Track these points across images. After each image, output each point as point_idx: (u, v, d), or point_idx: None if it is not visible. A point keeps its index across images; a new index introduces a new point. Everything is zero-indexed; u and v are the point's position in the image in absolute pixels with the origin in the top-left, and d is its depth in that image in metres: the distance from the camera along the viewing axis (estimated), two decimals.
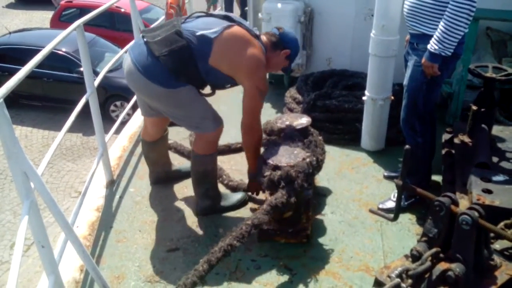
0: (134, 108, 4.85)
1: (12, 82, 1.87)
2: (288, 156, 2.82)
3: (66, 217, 2.15)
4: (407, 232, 3.03)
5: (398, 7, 3.53)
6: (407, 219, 3.14)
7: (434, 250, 1.90)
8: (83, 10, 12.14)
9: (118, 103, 9.42)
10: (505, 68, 3.12)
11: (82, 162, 8.61)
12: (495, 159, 2.97)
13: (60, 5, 13.33)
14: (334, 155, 3.97)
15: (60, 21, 12.72)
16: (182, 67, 2.77)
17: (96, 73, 9.53)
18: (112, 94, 9.30)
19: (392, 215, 2.21)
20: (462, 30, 2.75)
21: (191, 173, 3.21)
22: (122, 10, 12.04)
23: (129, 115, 4.82)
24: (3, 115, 1.76)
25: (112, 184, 3.63)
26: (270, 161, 2.77)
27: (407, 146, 2.05)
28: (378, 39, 3.65)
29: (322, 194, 3.41)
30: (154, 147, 3.46)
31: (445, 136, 3.65)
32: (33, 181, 1.91)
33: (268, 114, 4.73)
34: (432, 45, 2.84)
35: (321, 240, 2.96)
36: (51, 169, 8.24)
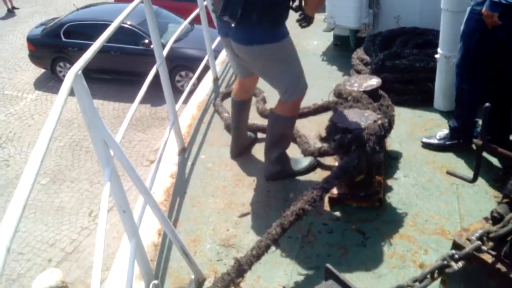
0: (199, 79, 4.90)
1: (88, 55, 1.94)
2: (358, 118, 2.76)
3: (144, 183, 2.24)
4: (485, 194, 2.90)
5: None
6: (484, 182, 2.99)
7: None
8: None
9: (183, 73, 9.60)
10: None
11: (151, 132, 8.92)
12: None
13: None
14: (406, 117, 3.83)
15: None
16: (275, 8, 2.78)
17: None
18: (177, 65, 9.47)
19: (470, 176, 2.11)
20: None
21: (269, 136, 3.21)
22: None
23: (194, 85, 4.88)
24: (83, 87, 1.84)
25: (184, 152, 3.73)
26: (340, 124, 2.72)
27: (487, 104, 1.93)
28: None
29: (393, 157, 3.32)
30: (247, 106, 3.52)
31: None
32: (112, 148, 2.00)
33: (334, 78, 4.65)
34: None
35: (394, 203, 2.90)
36: (122, 139, 8.60)
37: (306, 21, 3.02)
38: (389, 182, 3.08)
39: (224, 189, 3.25)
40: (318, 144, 3.31)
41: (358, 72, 4.38)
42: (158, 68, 3.39)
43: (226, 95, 4.47)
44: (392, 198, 2.93)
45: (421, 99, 4.02)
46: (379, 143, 2.68)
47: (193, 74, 9.19)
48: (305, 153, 3.42)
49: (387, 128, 2.76)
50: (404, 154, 3.37)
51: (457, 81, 3.28)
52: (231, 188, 3.25)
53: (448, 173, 2.22)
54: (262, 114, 4.09)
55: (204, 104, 4.48)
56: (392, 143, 3.50)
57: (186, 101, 4.67)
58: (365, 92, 3.10)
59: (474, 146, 2.82)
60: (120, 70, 10.27)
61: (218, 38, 3.76)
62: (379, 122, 2.71)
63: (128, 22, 9.79)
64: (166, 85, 3.52)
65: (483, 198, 2.86)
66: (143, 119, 9.40)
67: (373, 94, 3.13)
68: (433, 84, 3.92)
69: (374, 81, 3.21)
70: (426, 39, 4.52)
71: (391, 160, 3.29)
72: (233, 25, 2.80)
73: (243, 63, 3.11)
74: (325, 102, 3.62)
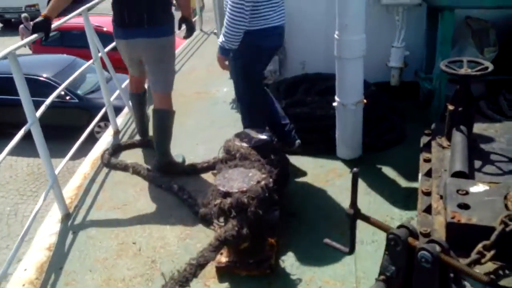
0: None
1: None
2: (241, 180, 2.52)
3: None
4: (381, 250, 2.71)
5: (361, 3, 3.24)
6: (383, 237, 2.82)
7: None
8: (64, 32, 11.86)
9: (102, 124, 9.14)
10: (481, 61, 2.81)
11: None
12: (477, 164, 2.67)
13: None
14: (308, 167, 3.66)
15: (42, 45, 12.46)
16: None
17: (77, 96, 9.32)
18: (95, 116, 9.02)
19: (347, 248, 1.91)
20: (238, 23, 2.98)
21: (157, 130, 3.72)
22: (105, 29, 11.76)
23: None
24: None
25: (67, 218, 3.34)
26: (220, 188, 2.48)
27: (354, 169, 1.75)
28: (343, 40, 3.35)
29: (291, 214, 3.10)
30: (144, 98, 4.22)
31: (423, 140, 3.34)
32: None
33: (234, 131, 4.43)
34: (220, 38, 3.15)
35: (288, 269, 2.65)
36: (36, 198, 7.99)
37: (188, 29, 3.96)
38: (285, 243, 2.84)
39: (104, 262, 2.88)
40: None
41: None
42: (30, 127, 3.04)
43: (119, 148, 4.17)
44: (287, 262, 2.69)
45: (325, 147, 3.88)
46: (262, 207, 2.45)
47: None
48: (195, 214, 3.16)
49: (272, 188, 2.54)
50: (303, 209, 3.17)
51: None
52: (112, 260, 2.89)
53: (326, 243, 2.01)
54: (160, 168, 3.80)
55: (98, 161, 4.12)
56: (294, 195, 3.30)
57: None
58: (254, 147, 2.90)
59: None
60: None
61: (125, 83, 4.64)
62: (262, 183, 2.49)
63: (44, 75, 9.34)
64: (41, 145, 3.17)
65: (379, 254, 2.67)
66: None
67: (263, 149, 2.93)
68: (334, 132, 3.80)
69: (264, 135, 3.02)
70: (329, 84, 4.43)
71: (289, 217, 3.07)
72: (146, 26, 3.44)
73: (141, 59, 3.74)
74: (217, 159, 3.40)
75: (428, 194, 2.73)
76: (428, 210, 2.57)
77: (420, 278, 1.56)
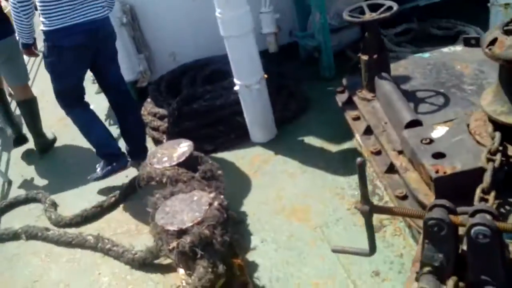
0: None
1: None
2: (189, 209, 2.07)
3: None
4: (352, 227, 2.51)
5: None
6: (342, 213, 2.61)
7: (452, 281, 1.35)
8: None
9: None
10: (383, 2, 2.67)
11: None
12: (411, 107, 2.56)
13: None
14: (229, 162, 3.30)
15: None
16: None
17: None
18: None
19: (366, 249, 1.61)
20: (19, 20, 3.07)
21: (29, 117, 4.12)
22: None
23: None
24: None
25: None
26: (169, 227, 2.00)
27: (358, 159, 1.44)
28: (227, 17, 2.98)
29: (239, 222, 2.73)
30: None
31: (340, 98, 3.17)
32: None
33: None
34: None
35: (267, 285, 2.30)
36: None
37: None
38: (249, 257, 2.47)
39: None
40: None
41: (156, 129, 3.71)
42: None
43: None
44: (262, 279, 2.33)
45: (236, 137, 3.54)
46: (226, 231, 2.04)
47: None
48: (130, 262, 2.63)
49: (226, 206, 2.14)
50: (247, 211, 2.82)
51: None
52: None
53: (335, 251, 1.70)
54: (59, 223, 3.13)
55: None
56: (229, 200, 2.91)
57: None
58: (180, 165, 2.44)
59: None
60: None
61: None
62: (216, 204, 2.08)
63: None
64: None
65: (354, 231, 2.46)
66: None
67: (190, 163, 2.49)
68: (242, 117, 3.47)
69: (184, 146, 2.57)
70: (213, 68, 4.09)
71: (238, 226, 2.70)
72: None
73: None
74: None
75: (378, 153, 2.57)
76: (390, 170, 2.41)
77: (479, 256, 1.32)
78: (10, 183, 3.81)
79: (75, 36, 2.99)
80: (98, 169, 3.38)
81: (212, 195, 2.14)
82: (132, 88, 4.41)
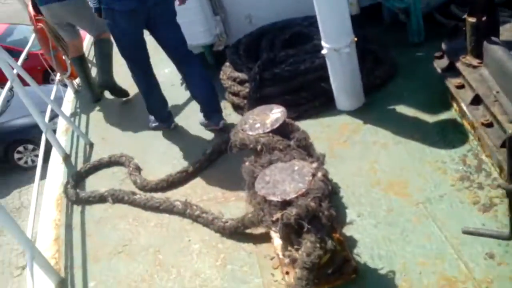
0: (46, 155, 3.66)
1: None
2: (291, 179, 1.96)
3: None
4: (459, 204, 2.31)
5: None
6: (450, 185, 2.41)
7: None
8: None
9: (20, 148, 7.96)
10: None
11: None
12: None
13: None
14: (315, 131, 3.12)
15: None
16: None
17: None
18: (10, 142, 7.83)
19: (505, 232, 1.44)
20: None
21: (100, 57, 4.43)
22: None
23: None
24: None
25: (63, 286, 2.62)
26: (272, 197, 1.90)
27: (510, 131, 1.26)
28: None
29: (333, 193, 2.60)
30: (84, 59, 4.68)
31: (439, 64, 2.93)
32: None
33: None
34: None
35: (369, 263, 2.17)
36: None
37: None
38: (347, 232, 2.35)
39: None
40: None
41: (236, 94, 3.61)
42: None
43: (81, 175, 3.44)
44: (363, 256, 2.20)
45: (321, 103, 3.37)
46: (331, 204, 1.92)
47: (33, 145, 7.70)
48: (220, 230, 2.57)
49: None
50: (340, 183, 2.67)
51: None
52: None
53: (466, 232, 1.54)
54: (145, 188, 3.12)
55: (63, 199, 3.34)
56: None
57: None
58: (274, 131, 2.32)
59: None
60: None
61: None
62: (319, 174, 1.95)
63: None
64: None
65: (461, 210, 2.27)
66: None
67: (283, 130, 2.36)
68: (327, 83, 3.29)
69: (277, 112, 2.43)
70: (294, 31, 3.90)
71: (333, 199, 2.56)
72: None
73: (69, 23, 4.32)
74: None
75: (490, 125, 2.34)
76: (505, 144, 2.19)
77: None
78: (91, 145, 3.86)
79: (125, 1, 3.08)
80: (152, 120, 3.81)
81: (314, 165, 2.01)
82: (209, 51, 4.33)
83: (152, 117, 3.78)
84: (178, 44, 3.41)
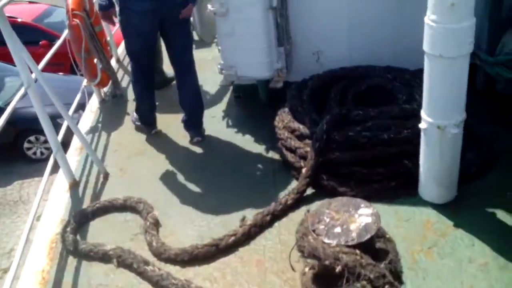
0: None
1: None
2: None
3: None
4: None
5: None
6: None
7: None
8: None
9: (32, 138, 7.37)
10: None
11: (0, 225, 6.66)
12: None
13: None
14: (388, 224, 2.40)
15: None
16: None
17: None
18: (21, 130, 7.24)
19: None
20: None
21: None
22: (19, 20, 9.66)
23: None
24: None
25: None
26: None
27: None
28: (446, 28, 2.08)
29: None
30: None
31: None
32: None
33: (254, 161, 3.13)
34: None
35: None
36: None
37: None
38: None
39: None
40: None
41: (292, 151, 2.92)
42: None
43: (86, 216, 2.78)
44: None
45: (399, 186, 2.65)
46: None
47: (45, 136, 7.09)
48: None
49: None
50: None
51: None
52: None
53: None
54: (161, 255, 2.44)
55: (57, 244, 2.68)
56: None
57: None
58: (361, 246, 1.62)
59: None
60: None
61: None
62: None
63: None
64: None
65: None
66: None
67: (372, 245, 1.66)
68: (412, 162, 2.59)
69: (366, 213, 1.74)
70: (371, 83, 3.21)
71: None
72: None
73: None
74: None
75: None
76: None
77: None
78: (106, 176, 3.19)
79: (143, 2, 3.06)
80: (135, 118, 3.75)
81: None
82: (263, 86, 3.65)
83: (136, 115, 3.73)
84: (184, 51, 3.41)
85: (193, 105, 3.48)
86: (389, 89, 3.13)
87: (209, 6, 3.30)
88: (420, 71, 2.34)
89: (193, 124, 3.50)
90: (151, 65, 3.54)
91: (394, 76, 3.20)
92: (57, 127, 3.10)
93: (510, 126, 3.09)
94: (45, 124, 2.86)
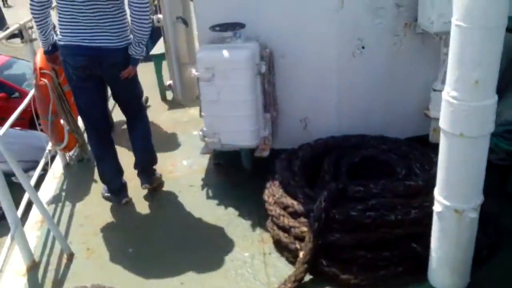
0: None
1: None
2: None
3: None
4: None
5: (499, 41, 1.84)
6: None
7: None
8: None
9: None
10: None
11: None
12: None
13: None
14: None
15: None
16: None
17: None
18: None
19: None
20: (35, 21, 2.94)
21: None
22: None
23: None
24: None
25: None
26: None
27: None
28: (466, 106, 1.90)
29: None
30: None
31: None
32: None
33: (245, 248, 2.81)
34: None
35: None
36: None
37: None
38: None
39: None
40: None
41: (285, 230, 2.62)
42: None
43: None
44: None
45: (406, 271, 2.39)
46: None
47: None
48: None
49: None
50: None
51: None
52: None
53: None
54: None
55: None
56: None
57: None
58: None
59: None
60: None
61: None
62: None
63: None
64: None
65: None
66: None
67: None
68: (420, 244, 2.35)
69: None
70: (365, 155, 3.02)
71: None
72: None
73: None
74: None
75: None
76: None
77: None
78: (71, 256, 2.78)
79: (77, 57, 2.96)
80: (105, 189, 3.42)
81: None
82: (247, 154, 3.38)
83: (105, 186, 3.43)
84: (132, 99, 3.28)
85: (142, 149, 3.35)
86: (384, 161, 2.94)
87: (193, 71, 3.07)
88: (415, 140, 2.17)
89: (145, 173, 3.37)
90: (104, 122, 3.27)
91: (389, 148, 3.02)
92: (11, 185, 2.64)
93: (510, 198, 2.94)
94: (4, 198, 2.46)
